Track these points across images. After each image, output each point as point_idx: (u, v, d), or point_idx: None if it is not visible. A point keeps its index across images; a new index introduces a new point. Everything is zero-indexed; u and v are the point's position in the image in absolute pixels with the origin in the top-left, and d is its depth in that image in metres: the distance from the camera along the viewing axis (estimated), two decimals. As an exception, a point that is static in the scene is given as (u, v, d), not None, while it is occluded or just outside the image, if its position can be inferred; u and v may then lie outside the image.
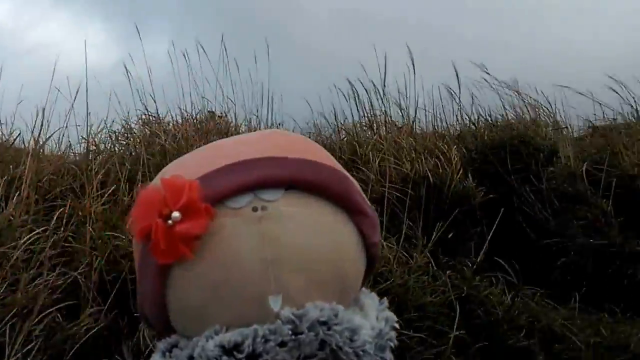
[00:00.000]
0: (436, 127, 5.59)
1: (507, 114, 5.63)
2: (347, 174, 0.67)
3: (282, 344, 0.55)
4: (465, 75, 5.44)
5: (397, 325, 0.66)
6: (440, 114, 5.63)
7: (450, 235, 3.82)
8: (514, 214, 4.61)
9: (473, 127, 5.55)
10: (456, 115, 5.67)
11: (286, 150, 0.63)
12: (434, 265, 3.51)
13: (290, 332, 0.56)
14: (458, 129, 5.64)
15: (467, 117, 5.65)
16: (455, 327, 3.06)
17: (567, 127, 5.62)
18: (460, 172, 4.30)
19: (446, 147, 4.60)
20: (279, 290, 0.57)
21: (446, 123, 5.68)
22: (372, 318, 0.63)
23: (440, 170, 4.25)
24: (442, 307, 3.20)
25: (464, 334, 3.10)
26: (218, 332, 0.57)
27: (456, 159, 4.39)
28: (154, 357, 0.63)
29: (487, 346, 3.13)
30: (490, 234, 3.85)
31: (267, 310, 0.57)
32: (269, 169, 0.60)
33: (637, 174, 4.87)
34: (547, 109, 5.68)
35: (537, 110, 5.66)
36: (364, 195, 0.67)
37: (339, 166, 0.66)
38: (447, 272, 3.47)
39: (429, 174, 4.15)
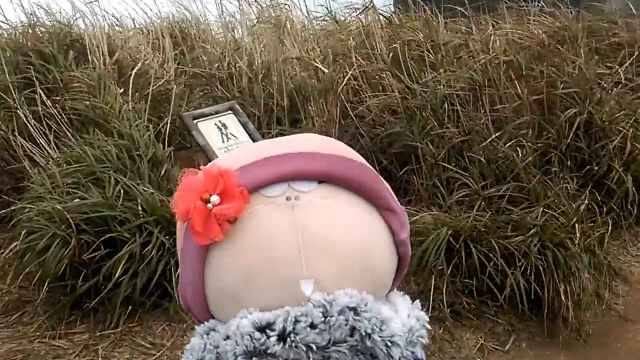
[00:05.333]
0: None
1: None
2: (376, 172, 0.70)
3: (312, 326, 0.58)
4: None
5: (428, 326, 0.68)
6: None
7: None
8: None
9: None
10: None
11: (320, 148, 0.67)
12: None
13: (321, 315, 0.58)
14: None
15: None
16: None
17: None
18: None
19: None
20: (310, 275, 0.60)
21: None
22: (403, 315, 0.65)
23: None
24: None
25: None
26: (252, 312, 0.60)
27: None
28: (193, 340, 0.65)
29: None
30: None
31: (299, 294, 0.60)
32: (302, 163, 0.65)
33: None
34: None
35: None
36: (392, 193, 0.69)
37: (368, 164, 0.69)
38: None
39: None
